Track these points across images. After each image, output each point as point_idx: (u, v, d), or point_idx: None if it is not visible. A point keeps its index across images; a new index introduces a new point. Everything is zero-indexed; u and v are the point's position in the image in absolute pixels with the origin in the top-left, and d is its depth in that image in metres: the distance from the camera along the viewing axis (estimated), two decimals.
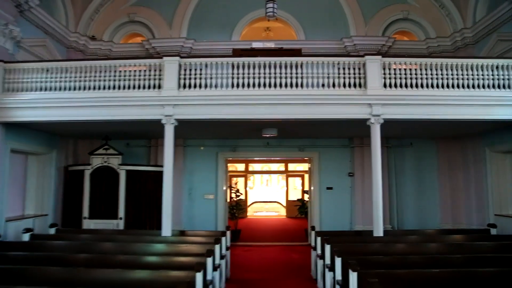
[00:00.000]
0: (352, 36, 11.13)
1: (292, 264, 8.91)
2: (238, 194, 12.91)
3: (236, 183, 13.75)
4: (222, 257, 6.80)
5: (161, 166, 10.66)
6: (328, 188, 11.05)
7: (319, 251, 6.93)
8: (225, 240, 7.14)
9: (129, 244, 6.39)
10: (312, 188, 11.18)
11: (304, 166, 20.67)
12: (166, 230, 7.24)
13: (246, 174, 19.60)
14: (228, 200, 13.03)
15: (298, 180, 21.10)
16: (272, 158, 12.33)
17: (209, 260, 5.25)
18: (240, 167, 20.13)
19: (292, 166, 20.34)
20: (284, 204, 19.76)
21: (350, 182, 11.06)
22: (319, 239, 6.93)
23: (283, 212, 19.94)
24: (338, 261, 5.19)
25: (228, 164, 21.00)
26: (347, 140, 11.23)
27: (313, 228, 7.87)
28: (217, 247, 6.10)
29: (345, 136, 11.00)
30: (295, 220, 16.81)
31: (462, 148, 10.86)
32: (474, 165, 10.43)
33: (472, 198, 10.41)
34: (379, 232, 7.12)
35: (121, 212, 9.67)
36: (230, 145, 11.15)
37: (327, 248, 6.03)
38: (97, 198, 9.79)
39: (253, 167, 21.47)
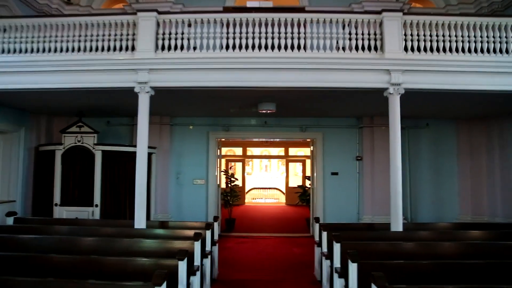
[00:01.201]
0: (362, 1, 9.64)
1: (292, 260, 7.59)
2: (232, 179, 11.56)
3: (231, 167, 12.33)
4: (205, 255, 5.48)
5: (151, 147, 9.39)
6: (333, 174, 9.69)
7: (324, 249, 5.59)
8: (211, 234, 5.80)
9: (90, 239, 5.06)
10: (315, 173, 9.82)
11: (305, 151, 19.33)
12: (140, 221, 5.90)
13: (244, 159, 18.23)
14: (223, 185, 11.72)
15: (299, 166, 19.79)
16: (271, 140, 10.89)
17: (182, 265, 3.92)
18: (238, 151, 18.78)
19: (292, 151, 18.97)
20: (284, 191, 18.44)
21: (358, 167, 9.69)
22: (325, 234, 5.59)
23: (282, 199, 18.65)
24: (353, 268, 3.85)
25: (225, 148, 19.70)
26: (355, 120, 9.82)
27: (317, 220, 6.52)
28: (196, 244, 4.76)
29: (352, 114, 9.60)
30: (296, 208, 15.51)
31: (485, 129, 9.46)
32: (499, 149, 9.09)
33: (497, 186, 9.08)
34: (397, 226, 5.77)
35: (97, 198, 8.34)
36: (223, 124, 9.75)
37: (336, 247, 4.69)
38: (70, 183, 8.45)
39: (251, 151, 20.12)
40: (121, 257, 4.21)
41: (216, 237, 6.46)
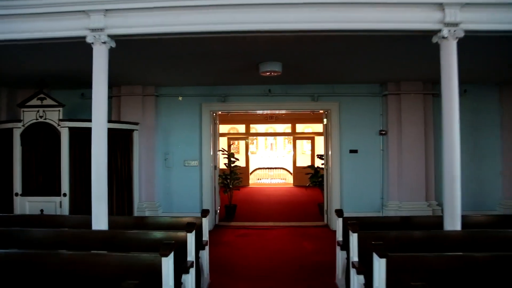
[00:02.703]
0: None
1: (304, 260, 5.95)
2: (233, 159, 9.85)
3: (230, 145, 10.53)
4: (186, 269, 3.83)
5: (126, 122, 7.69)
6: (352, 152, 7.95)
7: (354, 257, 3.90)
8: (194, 237, 4.12)
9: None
10: (329, 151, 8.07)
11: (314, 128, 17.55)
12: (98, 220, 4.26)
13: (247, 136, 16.49)
14: (223, 166, 10.05)
15: (306, 143, 18.07)
16: (276, 112, 9.01)
17: None
18: (241, 128, 17.05)
19: (300, 128, 17.20)
20: (291, 170, 16.77)
21: (382, 143, 7.94)
22: (354, 237, 3.88)
23: (290, 179, 17.01)
24: None
25: (228, 126, 17.97)
26: (378, 86, 8.00)
27: (339, 213, 4.78)
28: (165, 261, 3.08)
29: (374, 79, 7.75)
30: (305, 190, 13.78)
31: None
32: None
33: None
34: (454, 223, 4.05)
35: (65, 186, 6.70)
36: (218, 93, 7.99)
37: (380, 264, 2.98)
38: (33, 168, 6.80)
39: (255, 128, 18.39)
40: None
41: (205, 237, 4.81)
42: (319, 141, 16.20)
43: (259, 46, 5.05)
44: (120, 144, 7.29)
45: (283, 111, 8.58)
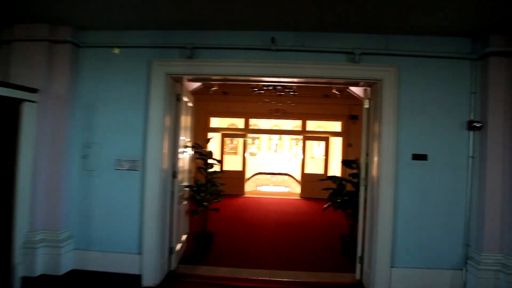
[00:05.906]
0: None
1: None
2: (209, 162, 6.11)
3: (208, 140, 6.64)
4: None
5: (11, 85, 4.07)
6: (417, 158, 4.26)
7: None
8: None
9: None
10: (375, 156, 4.40)
11: (326, 127, 13.97)
12: None
13: (245, 133, 12.81)
14: (196, 168, 6.34)
15: (317, 146, 14.47)
16: (282, 79, 4.93)
17: None
18: (239, 123, 13.46)
19: (311, 125, 13.55)
20: (299, 178, 13.11)
21: (472, 144, 4.25)
22: None
23: (295, 188, 13.36)
24: None
25: (228, 121, 14.41)
26: (468, 41, 4.29)
27: None
28: None
29: (461, 27, 4.05)
30: (316, 205, 10.17)
31: None
32: None
33: None
34: None
35: None
36: (181, 43, 4.33)
37: None
38: None
39: (258, 125, 14.79)
40: None
41: None
42: (335, 143, 12.57)
43: None
44: (4, 126, 3.71)
45: (295, 79, 4.76)
